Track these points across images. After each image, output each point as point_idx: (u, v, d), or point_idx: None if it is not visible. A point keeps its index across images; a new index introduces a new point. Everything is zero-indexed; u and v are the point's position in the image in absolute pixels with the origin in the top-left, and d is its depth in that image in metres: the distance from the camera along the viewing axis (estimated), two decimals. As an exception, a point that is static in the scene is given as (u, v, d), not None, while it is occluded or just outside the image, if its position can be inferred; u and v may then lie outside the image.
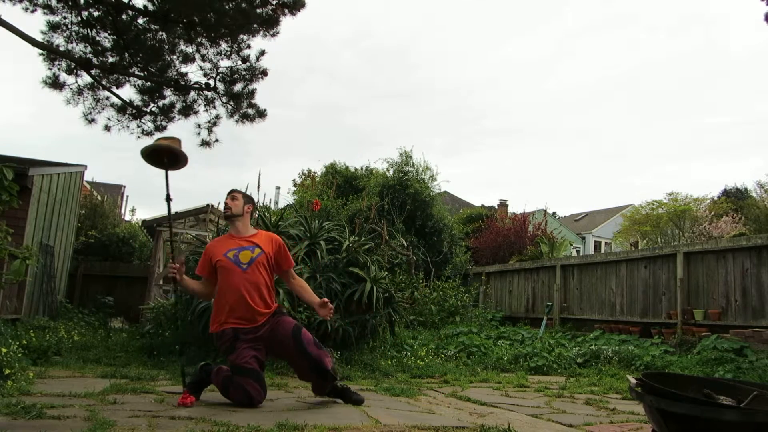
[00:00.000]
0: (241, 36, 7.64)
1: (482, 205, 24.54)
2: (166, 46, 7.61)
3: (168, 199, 3.63)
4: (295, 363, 3.50)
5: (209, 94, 8.03)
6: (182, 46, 7.71)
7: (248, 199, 3.72)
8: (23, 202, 7.12)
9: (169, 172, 3.59)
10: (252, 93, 8.06)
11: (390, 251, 7.73)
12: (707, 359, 5.82)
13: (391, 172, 11.98)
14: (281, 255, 3.65)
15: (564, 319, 9.30)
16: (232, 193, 3.66)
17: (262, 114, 8.19)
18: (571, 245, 24.78)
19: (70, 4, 7.11)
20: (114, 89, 7.80)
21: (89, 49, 7.44)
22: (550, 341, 7.53)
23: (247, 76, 8.00)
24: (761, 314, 6.41)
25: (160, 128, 8.14)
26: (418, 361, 5.91)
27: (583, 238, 38.98)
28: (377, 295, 5.75)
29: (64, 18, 7.24)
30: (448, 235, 11.68)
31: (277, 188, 19.59)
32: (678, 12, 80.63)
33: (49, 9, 7.15)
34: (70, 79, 7.58)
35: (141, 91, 7.97)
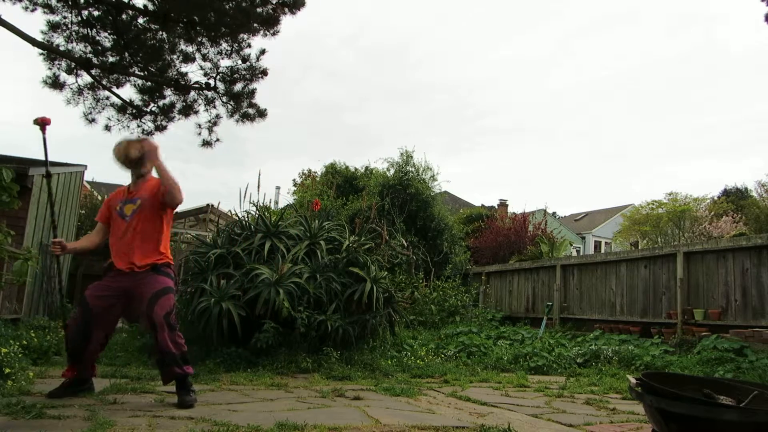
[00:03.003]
0: (242, 35, 7.63)
1: (482, 205, 24.55)
2: (166, 46, 7.60)
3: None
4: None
5: (209, 93, 8.02)
6: (182, 46, 7.70)
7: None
8: (23, 202, 7.12)
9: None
10: (252, 92, 8.06)
11: (390, 251, 7.72)
12: (707, 359, 5.82)
13: (392, 171, 11.97)
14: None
15: (564, 319, 9.29)
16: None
17: (262, 114, 8.19)
18: (571, 245, 24.78)
19: (70, 3, 7.10)
20: (114, 89, 7.80)
21: (89, 48, 7.43)
22: (550, 341, 7.53)
23: (248, 76, 7.99)
24: (761, 314, 6.41)
25: (161, 128, 8.14)
26: (418, 361, 5.91)
27: (583, 238, 38.98)
28: (377, 294, 5.75)
29: (64, 17, 7.24)
30: (448, 235, 11.68)
31: (277, 188, 19.63)
32: (678, 11, 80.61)
33: (49, 8, 7.15)
34: (70, 79, 7.58)
35: (141, 90, 7.96)
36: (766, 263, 6.47)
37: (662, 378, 2.44)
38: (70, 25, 7.27)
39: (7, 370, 3.58)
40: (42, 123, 3.49)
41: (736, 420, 1.96)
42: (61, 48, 7.33)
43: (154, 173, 3.61)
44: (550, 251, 11.68)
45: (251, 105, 8.11)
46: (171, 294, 3.43)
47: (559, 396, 4.43)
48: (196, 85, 7.94)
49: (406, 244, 9.69)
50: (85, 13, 7.25)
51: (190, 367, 3.41)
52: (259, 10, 7.24)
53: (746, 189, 30.36)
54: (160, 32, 7.47)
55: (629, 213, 27.91)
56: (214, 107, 8.18)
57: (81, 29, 7.30)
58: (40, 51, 7.21)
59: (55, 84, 7.47)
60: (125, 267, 3.41)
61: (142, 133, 8.04)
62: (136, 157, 3.52)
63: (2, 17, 6.01)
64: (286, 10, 7.39)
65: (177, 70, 7.91)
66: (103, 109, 7.88)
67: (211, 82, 7.94)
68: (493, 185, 74.27)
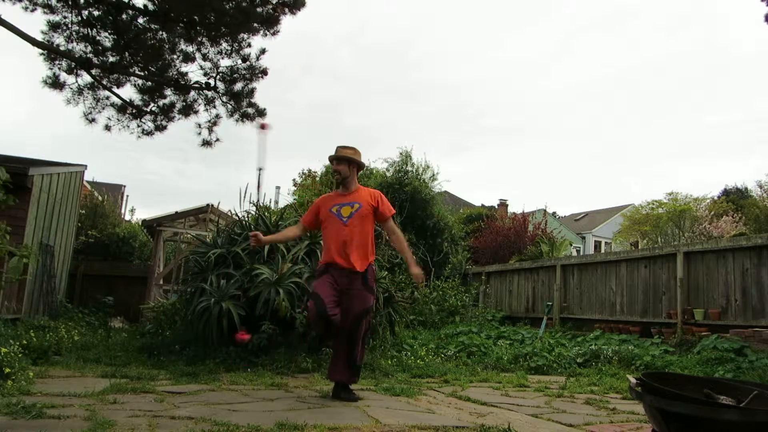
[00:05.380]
0: (242, 35, 7.63)
1: (482, 205, 24.54)
2: (167, 46, 7.60)
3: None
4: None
5: (209, 93, 8.03)
6: (182, 46, 7.70)
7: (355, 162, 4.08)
8: (23, 202, 7.12)
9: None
10: (252, 92, 8.06)
11: (390, 251, 7.72)
12: (707, 359, 5.82)
13: (391, 171, 11.97)
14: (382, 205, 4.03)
15: (564, 319, 9.29)
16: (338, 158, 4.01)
17: (262, 113, 8.19)
18: (571, 245, 24.78)
19: (70, 3, 7.10)
20: (114, 89, 7.80)
21: (89, 48, 7.43)
22: (550, 341, 7.53)
23: (247, 76, 7.99)
24: (761, 314, 6.41)
25: (160, 128, 8.14)
26: (418, 361, 5.91)
27: (583, 238, 38.98)
28: (377, 294, 5.75)
29: (65, 17, 7.24)
30: (448, 234, 11.67)
31: (277, 188, 19.63)
32: (678, 11, 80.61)
33: (49, 8, 7.15)
34: (70, 79, 7.58)
35: (141, 90, 7.96)
36: (766, 263, 6.47)
37: (662, 378, 2.44)
38: (70, 25, 7.27)
39: (7, 370, 3.58)
40: (262, 127, 3.90)
41: (736, 420, 1.95)
42: (61, 48, 7.33)
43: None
44: (550, 251, 11.68)
45: (251, 105, 8.11)
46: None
47: (559, 396, 4.42)
48: (196, 85, 7.94)
49: (406, 244, 9.67)
50: (85, 13, 7.24)
51: None
52: (259, 10, 7.24)
53: (746, 189, 30.36)
54: (160, 32, 7.47)
55: (629, 213, 27.89)
56: (214, 107, 8.19)
57: (81, 29, 7.30)
58: (40, 51, 7.21)
59: (55, 84, 7.47)
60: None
61: (142, 132, 8.04)
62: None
63: (2, 17, 6.01)
64: (286, 10, 7.39)
65: (177, 69, 7.91)
66: (103, 108, 7.89)
67: (211, 81, 7.94)
68: (493, 185, 74.30)
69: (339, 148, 4.04)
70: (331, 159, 4.05)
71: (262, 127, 3.86)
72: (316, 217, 4.04)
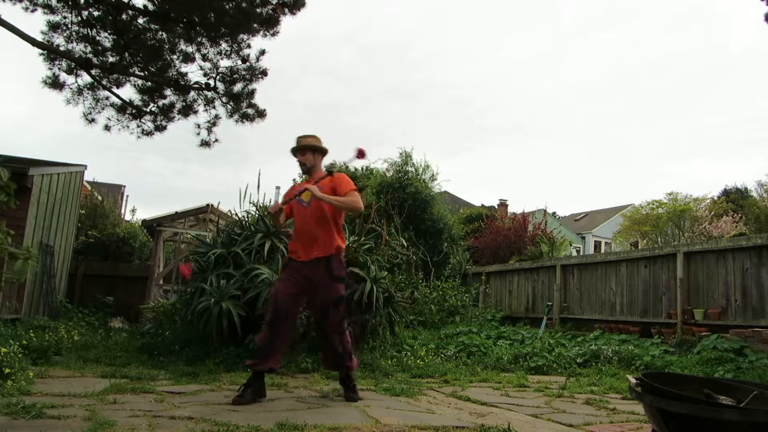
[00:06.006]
0: (241, 36, 7.62)
1: (482, 205, 24.53)
2: (166, 46, 7.60)
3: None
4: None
5: (209, 93, 8.02)
6: (182, 46, 7.70)
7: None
8: (23, 202, 7.12)
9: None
10: (252, 93, 8.05)
11: (390, 251, 7.72)
12: (707, 359, 5.82)
13: (391, 172, 11.96)
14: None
15: (564, 319, 9.29)
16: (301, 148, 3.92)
17: (261, 114, 8.18)
18: (571, 245, 24.76)
19: (70, 3, 7.10)
20: (114, 89, 7.79)
21: (89, 48, 7.43)
22: (550, 341, 7.53)
23: (247, 76, 7.99)
24: (761, 314, 6.41)
25: (160, 128, 8.14)
26: (418, 361, 5.91)
27: (583, 238, 38.98)
28: (377, 294, 5.75)
29: (64, 18, 7.23)
30: (448, 234, 11.67)
31: (277, 188, 19.59)
32: (678, 11, 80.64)
33: (49, 9, 7.14)
34: (70, 79, 7.57)
35: (141, 90, 7.96)
36: (766, 263, 6.47)
37: (662, 378, 2.44)
38: (70, 25, 7.26)
39: (7, 370, 3.58)
40: (360, 154, 3.81)
41: (736, 420, 1.96)
42: (61, 48, 7.32)
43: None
44: (550, 251, 11.68)
45: (251, 105, 8.10)
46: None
47: (559, 396, 4.42)
48: (196, 86, 7.94)
49: (405, 244, 9.69)
50: (85, 13, 7.24)
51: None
52: (258, 10, 7.24)
53: (746, 189, 30.32)
54: (160, 32, 7.47)
55: (629, 213, 27.89)
56: (214, 107, 8.18)
57: (81, 29, 7.30)
58: (40, 51, 7.20)
59: (55, 84, 7.46)
60: None
61: (142, 133, 8.04)
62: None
63: (2, 17, 6.00)
64: (286, 10, 7.39)
65: (177, 70, 7.91)
66: (103, 109, 7.88)
67: (211, 82, 7.93)
68: (493, 185, 74.31)
69: (300, 138, 3.93)
70: (294, 151, 3.94)
71: (360, 154, 3.78)
72: (290, 208, 3.96)
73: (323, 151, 3.99)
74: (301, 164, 3.93)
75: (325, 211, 3.74)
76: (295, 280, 3.72)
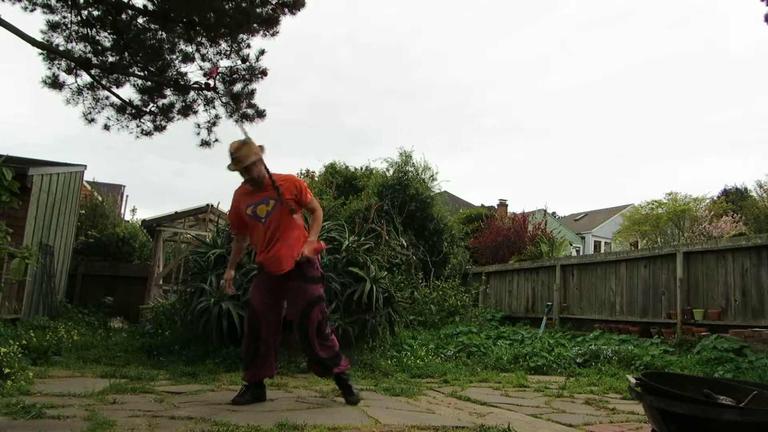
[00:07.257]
0: (241, 36, 7.62)
1: (482, 205, 24.53)
2: (166, 46, 7.59)
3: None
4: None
5: (209, 94, 8.01)
6: (182, 46, 7.69)
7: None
8: (23, 202, 7.12)
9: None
10: (251, 93, 8.04)
11: (390, 251, 7.72)
12: (707, 359, 5.82)
13: (391, 171, 11.96)
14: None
15: (564, 319, 9.29)
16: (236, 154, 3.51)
17: (261, 114, 8.18)
18: (571, 245, 24.78)
19: (69, 3, 7.09)
20: (114, 89, 7.78)
21: (89, 48, 7.42)
22: (550, 341, 7.53)
23: (247, 76, 7.98)
24: (761, 314, 6.41)
25: (160, 128, 8.13)
26: (418, 361, 5.91)
27: (583, 238, 38.98)
28: (377, 294, 5.75)
29: (64, 17, 7.23)
30: (447, 235, 11.66)
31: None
32: (678, 11, 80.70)
33: (48, 8, 7.14)
34: (69, 79, 7.56)
35: (141, 90, 7.95)
36: (765, 263, 6.47)
37: (662, 378, 2.44)
38: (69, 25, 7.26)
39: (7, 370, 3.58)
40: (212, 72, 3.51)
41: (736, 420, 1.96)
42: (61, 48, 7.32)
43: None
44: (550, 251, 11.68)
45: (250, 105, 8.09)
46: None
47: (559, 396, 4.43)
48: (196, 86, 7.92)
49: (405, 244, 9.69)
50: (84, 13, 7.23)
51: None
52: (258, 10, 7.23)
53: (746, 189, 30.33)
54: (160, 32, 7.46)
55: (629, 213, 27.92)
56: (214, 107, 8.17)
57: (81, 29, 7.29)
58: (40, 51, 7.19)
59: (55, 84, 7.46)
60: None
61: (141, 133, 8.03)
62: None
63: (2, 17, 6.00)
64: (286, 10, 7.38)
65: (176, 70, 7.90)
66: (103, 108, 7.87)
67: (211, 82, 7.93)
68: (493, 185, 74.35)
69: (238, 155, 3.47)
70: (240, 169, 3.49)
71: (212, 72, 3.57)
72: (242, 221, 3.67)
73: (262, 153, 3.62)
74: (252, 180, 3.54)
75: (283, 222, 3.54)
76: (267, 285, 3.61)
